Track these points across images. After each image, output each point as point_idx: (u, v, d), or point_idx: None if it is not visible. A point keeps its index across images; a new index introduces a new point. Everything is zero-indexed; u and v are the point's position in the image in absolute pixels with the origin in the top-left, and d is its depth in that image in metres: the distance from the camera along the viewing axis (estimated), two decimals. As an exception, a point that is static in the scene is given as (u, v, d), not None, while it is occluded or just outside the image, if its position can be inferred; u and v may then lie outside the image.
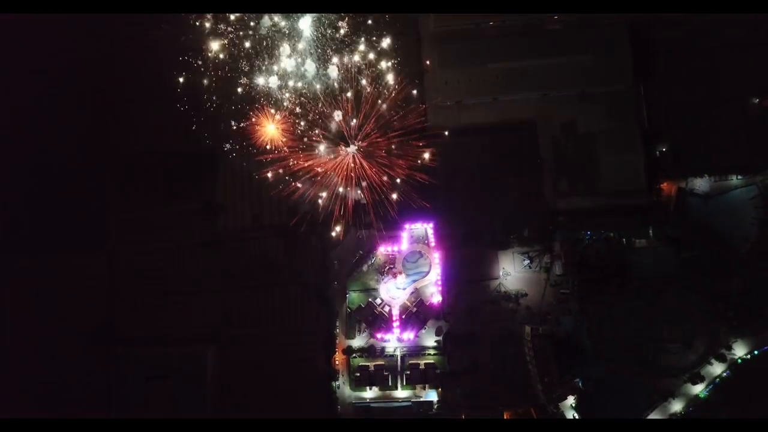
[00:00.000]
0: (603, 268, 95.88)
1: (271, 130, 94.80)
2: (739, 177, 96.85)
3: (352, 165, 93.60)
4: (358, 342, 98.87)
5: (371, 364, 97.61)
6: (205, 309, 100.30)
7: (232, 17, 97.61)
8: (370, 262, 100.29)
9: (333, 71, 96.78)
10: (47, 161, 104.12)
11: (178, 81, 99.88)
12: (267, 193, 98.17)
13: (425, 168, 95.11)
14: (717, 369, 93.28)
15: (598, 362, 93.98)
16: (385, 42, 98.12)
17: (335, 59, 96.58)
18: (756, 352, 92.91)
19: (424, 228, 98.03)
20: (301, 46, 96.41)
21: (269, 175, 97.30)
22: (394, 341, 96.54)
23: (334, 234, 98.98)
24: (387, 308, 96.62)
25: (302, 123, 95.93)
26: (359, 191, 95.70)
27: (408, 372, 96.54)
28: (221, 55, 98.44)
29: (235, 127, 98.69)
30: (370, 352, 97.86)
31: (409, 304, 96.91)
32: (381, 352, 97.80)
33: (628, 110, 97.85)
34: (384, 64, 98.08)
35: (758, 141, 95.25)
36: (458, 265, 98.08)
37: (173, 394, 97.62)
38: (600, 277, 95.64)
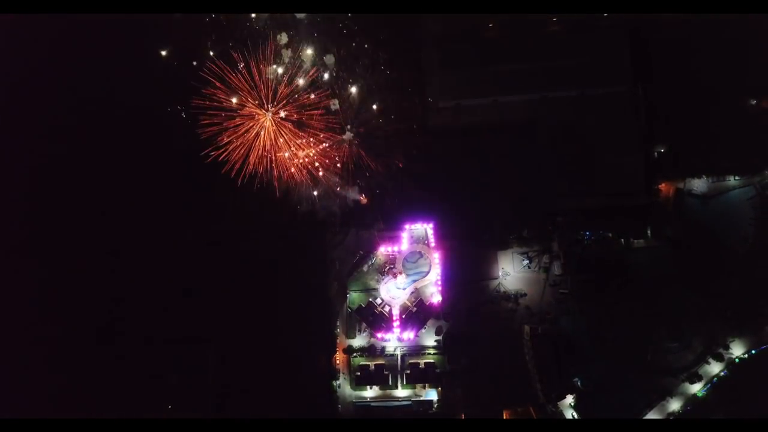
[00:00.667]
0: (602, 268, 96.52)
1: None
2: (737, 178, 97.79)
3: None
4: (358, 341, 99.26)
5: (372, 364, 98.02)
6: (205, 309, 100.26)
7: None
8: (370, 262, 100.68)
9: (330, 59, 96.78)
10: (47, 161, 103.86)
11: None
12: (267, 193, 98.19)
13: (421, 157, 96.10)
14: (715, 368, 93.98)
15: (596, 362, 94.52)
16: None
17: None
18: (753, 352, 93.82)
19: (424, 228, 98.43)
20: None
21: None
22: (395, 341, 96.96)
23: (334, 234, 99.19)
24: (387, 308, 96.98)
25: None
26: (357, 189, 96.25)
27: (408, 371, 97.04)
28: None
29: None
30: (370, 351, 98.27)
31: (409, 303, 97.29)
32: (381, 352, 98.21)
33: (627, 111, 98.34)
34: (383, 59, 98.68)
35: (756, 142, 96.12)
36: (458, 265, 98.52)
37: (173, 393, 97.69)
38: (599, 277, 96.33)
